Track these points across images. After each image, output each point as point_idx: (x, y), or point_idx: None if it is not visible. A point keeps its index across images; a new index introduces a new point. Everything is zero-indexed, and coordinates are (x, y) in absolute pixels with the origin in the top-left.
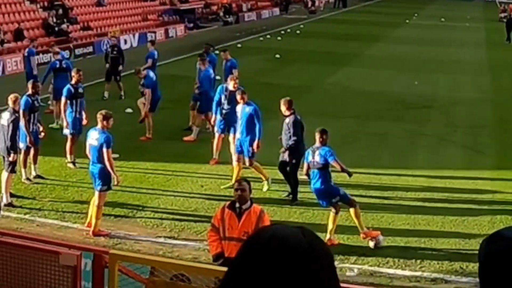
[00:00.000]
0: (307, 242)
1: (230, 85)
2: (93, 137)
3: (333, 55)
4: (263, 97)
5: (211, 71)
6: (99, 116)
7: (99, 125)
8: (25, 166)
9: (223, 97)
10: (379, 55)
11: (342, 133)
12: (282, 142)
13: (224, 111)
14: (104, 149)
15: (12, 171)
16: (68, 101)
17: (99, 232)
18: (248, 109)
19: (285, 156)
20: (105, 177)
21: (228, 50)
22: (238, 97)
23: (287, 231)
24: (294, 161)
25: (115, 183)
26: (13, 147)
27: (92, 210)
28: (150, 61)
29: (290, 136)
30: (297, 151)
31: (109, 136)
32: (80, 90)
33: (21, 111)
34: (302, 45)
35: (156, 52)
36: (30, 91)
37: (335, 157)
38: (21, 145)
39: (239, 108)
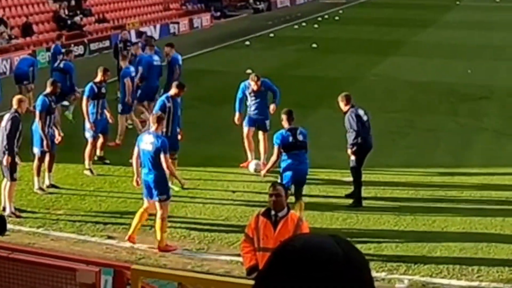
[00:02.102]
0: (342, 251)
1: (252, 84)
2: (147, 141)
3: (377, 43)
4: (299, 92)
5: (155, 57)
6: (152, 118)
7: (153, 128)
8: (38, 174)
9: (248, 94)
10: (428, 41)
11: (389, 129)
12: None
13: (253, 108)
14: (162, 155)
15: (13, 178)
16: (90, 101)
17: (167, 248)
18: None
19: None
20: (162, 185)
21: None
22: (177, 90)
23: (320, 239)
24: (353, 158)
25: (183, 185)
26: (9, 149)
27: (137, 222)
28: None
29: (353, 133)
30: (358, 147)
31: (165, 140)
32: (103, 90)
33: (37, 112)
34: (342, 33)
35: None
36: (48, 90)
37: None
38: (36, 150)
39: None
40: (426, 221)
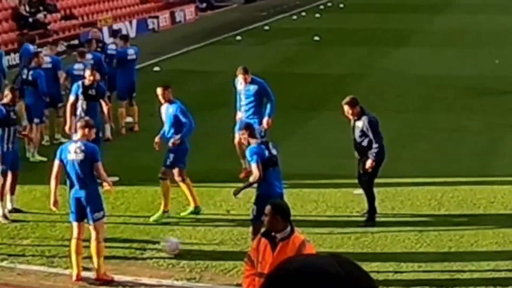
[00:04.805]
0: (344, 272)
1: (241, 80)
2: (77, 150)
3: (387, 32)
4: (298, 91)
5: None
6: (80, 124)
7: (80, 135)
8: (1, 199)
9: (238, 94)
10: (445, 29)
11: (402, 131)
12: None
13: (244, 109)
14: (95, 164)
15: None
16: None
17: (104, 277)
18: (172, 109)
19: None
20: (97, 201)
21: None
22: (160, 91)
23: (319, 261)
24: (370, 170)
25: (110, 188)
26: None
27: (76, 257)
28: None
29: (369, 141)
30: (379, 157)
31: (96, 147)
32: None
33: None
34: (347, 23)
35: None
36: (6, 99)
37: None
38: None
39: (163, 108)
40: (452, 236)
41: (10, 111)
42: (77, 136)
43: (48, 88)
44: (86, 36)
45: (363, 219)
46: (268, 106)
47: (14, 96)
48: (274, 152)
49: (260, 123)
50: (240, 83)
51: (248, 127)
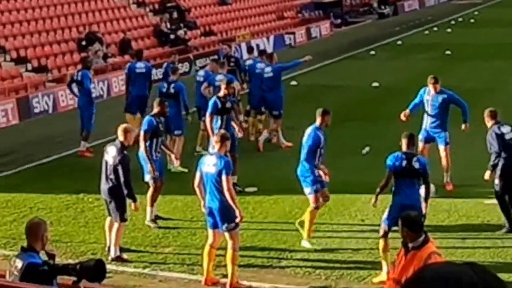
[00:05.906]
0: (481, 280)
1: (431, 89)
2: (210, 163)
3: None
4: None
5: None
6: (216, 138)
7: (217, 148)
8: (152, 204)
9: (425, 103)
10: None
11: None
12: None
13: (429, 120)
14: (224, 176)
15: (123, 219)
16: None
17: (239, 285)
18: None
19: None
20: (229, 212)
21: None
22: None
23: (454, 269)
24: (497, 182)
25: (238, 219)
26: (131, 194)
27: (207, 262)
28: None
29: (494, 154)
30: (501, 170)
31: (229, 161)
32: (228, 105)
33: (141, 133)
34: (479, 37)
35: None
36: (155, 110)
37: None
38: (147, 177)
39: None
40: None
41: (159, 123)
42: (215, 148)
43: (196, 101)
44: (222, 53)
45: (495, 229)
46: (465, 112)
47: (164, 107)
48: (416, 165)
49: (443, 131)
50: (428, 92)
51: (408, 135)
